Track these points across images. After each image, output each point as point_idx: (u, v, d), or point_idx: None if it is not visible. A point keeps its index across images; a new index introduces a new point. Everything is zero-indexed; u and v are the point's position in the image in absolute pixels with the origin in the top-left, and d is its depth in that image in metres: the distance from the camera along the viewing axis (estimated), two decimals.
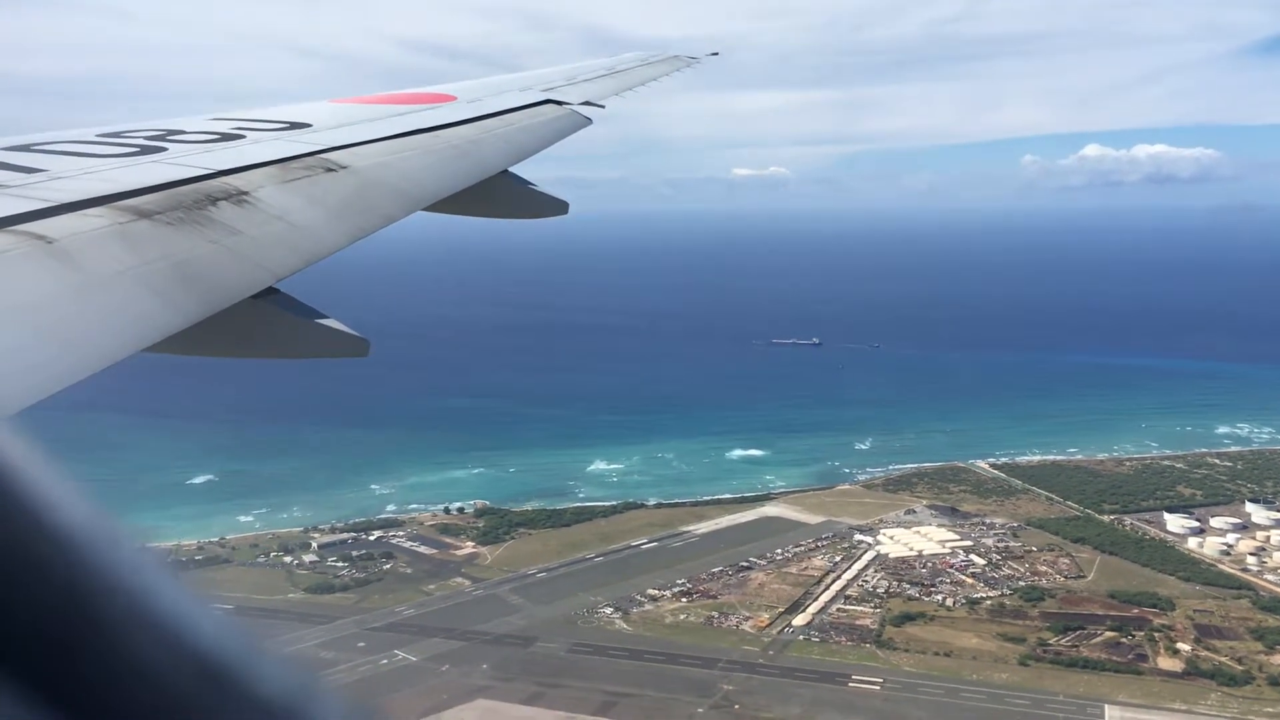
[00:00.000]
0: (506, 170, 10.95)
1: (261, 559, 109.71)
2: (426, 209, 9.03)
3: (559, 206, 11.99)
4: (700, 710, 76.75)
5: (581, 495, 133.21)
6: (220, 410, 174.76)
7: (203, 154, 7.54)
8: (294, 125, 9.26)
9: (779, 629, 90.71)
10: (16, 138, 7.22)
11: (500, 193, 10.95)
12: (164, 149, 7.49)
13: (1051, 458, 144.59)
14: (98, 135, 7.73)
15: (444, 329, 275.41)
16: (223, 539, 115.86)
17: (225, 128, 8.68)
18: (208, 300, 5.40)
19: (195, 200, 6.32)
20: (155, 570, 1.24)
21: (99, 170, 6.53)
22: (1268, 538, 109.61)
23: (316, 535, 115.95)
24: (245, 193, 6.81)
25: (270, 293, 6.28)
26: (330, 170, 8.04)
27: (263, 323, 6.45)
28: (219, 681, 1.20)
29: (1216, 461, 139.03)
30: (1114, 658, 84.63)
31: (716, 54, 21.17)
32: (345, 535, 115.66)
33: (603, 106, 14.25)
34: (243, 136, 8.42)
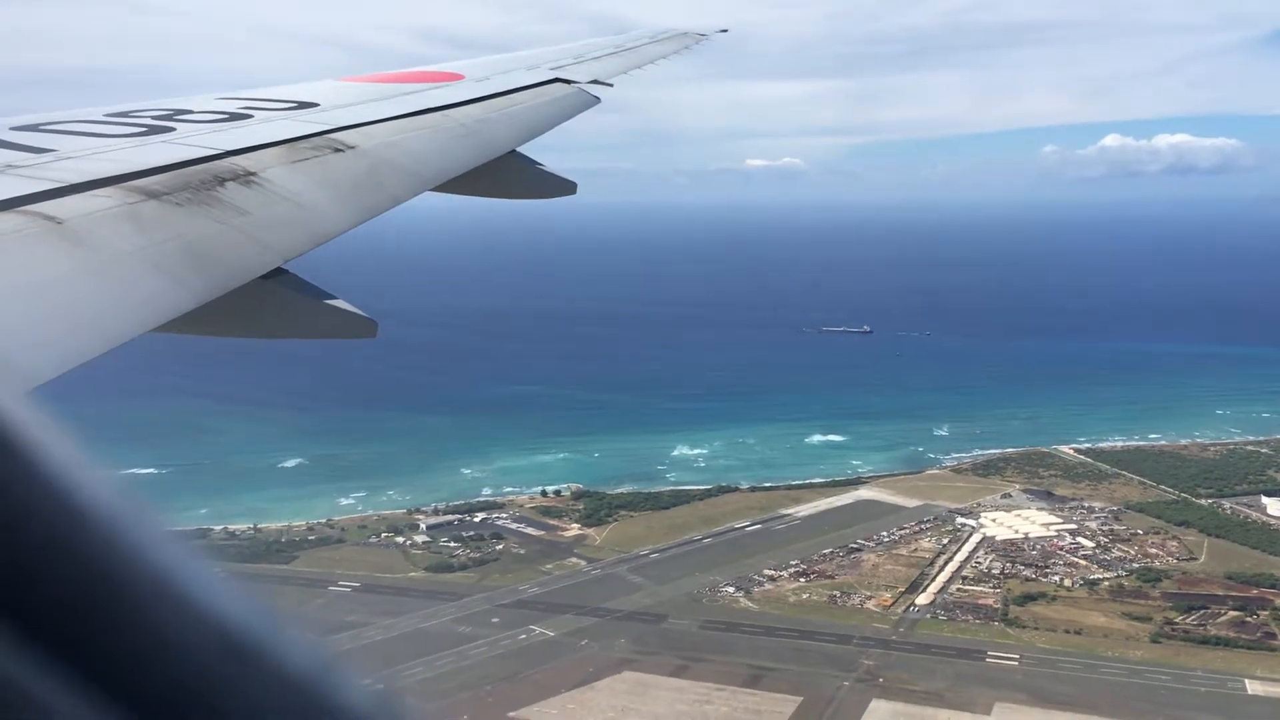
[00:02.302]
0: (514, 150, 10.89)
1: (373, 539, 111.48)
2: (434, 189, 8.98)
3: (567, 187, 11.91)
4: (846, 684, 78.15)
5: (672, 479, 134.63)
6: (291, 396, 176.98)
7: (211, 134, 7.50)
8: (302, 105, 9.18)
9: (903, 608, 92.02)
10: (25, 117, 7.15)
11: (508, 173, 10.84)
12: (172, 129, 7.44)
13: (1134, 443, 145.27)
14: (106, 115, 7.64)
15: (490, 319, 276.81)
16: (329, 520, 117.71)
17: (233, 107, 8.63)
18: (216, 281, 5.40)
19: (203, 181, 6.31)
20: (179, 547, 1.26)
21: (107, 150, 6.49)
22: None
23: (421, 517, 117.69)
24: (253, 173, 6.80)
25: (279, 273, 6.27)
26: (338, 150, 8.01)
27: (271, 303, 6.43)
28: (242, 657, 1.22)
29: None
30: (1243, 635, 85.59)
31: (726, 30, 21.10)
32: (450, 517, 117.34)
33: (611, 85, 14.03)
34: (250, 116, 8.36)
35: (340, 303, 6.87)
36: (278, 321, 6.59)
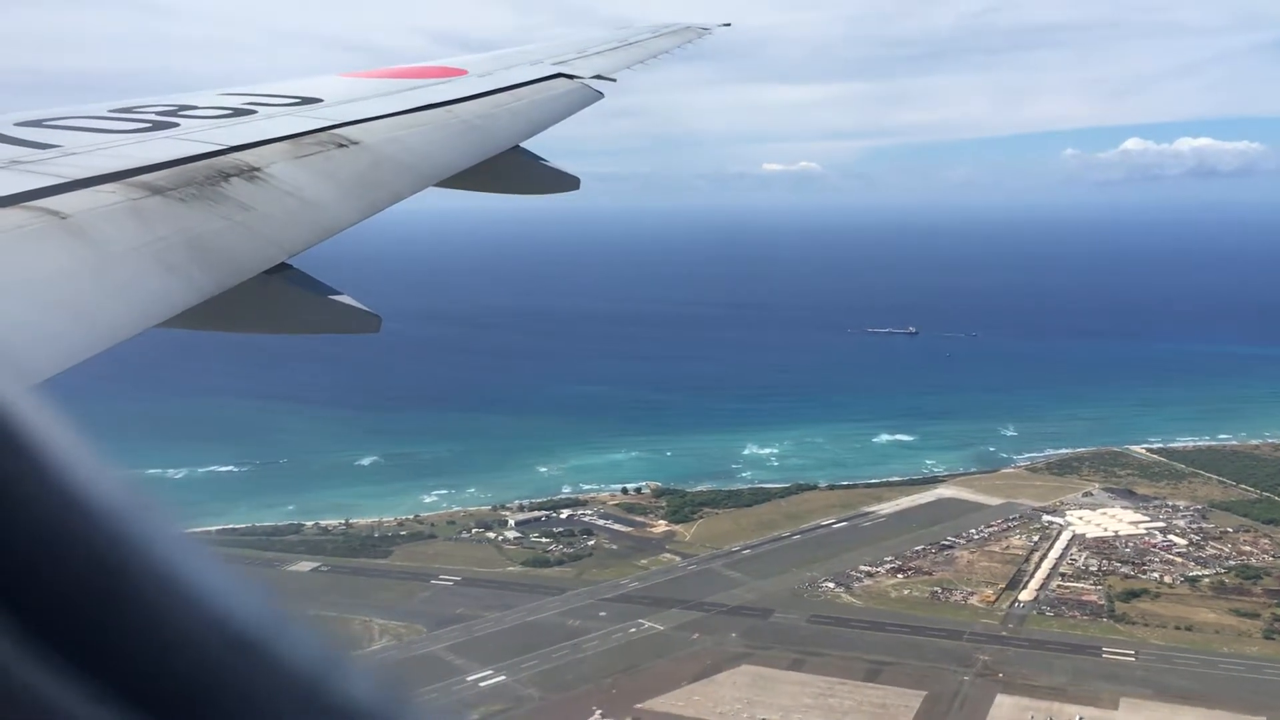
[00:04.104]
0: (517, 146, 10.84)
1: (464, 535, 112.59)
2: (438, 185, 8.97)
3: (570, 182, 11.84)
4: (966, 678, 78.67)
5: (748, 477, 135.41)
6: (351, 395, 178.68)
7: (214, 129, 7.50)
8: (305, 100, 9.17)
9: (1007, 604, 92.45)
10: (29, 113, 7.13)
11: (512, 168, 10.77)
12: (176, 124, 7.44)
13: (1205, 443, 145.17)
14: (110, 111, 7.64)
15: (532, 319, 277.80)
16: (417, 516, 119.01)
17: (236, 103, 8.62)
18: (220, 276, 5.40)
19: (207, 176, 6.31)
20: (186, 543, 1.26)
21: (112, 146, 6.50)
22: None
23: (508, 513, 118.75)
24: (257, 168, 6.80)
25: (282, 268, 6.27)
26: (342, 146, 8.00)
27: (274, 298, 6.42)
28: (250, 652, 1.22)
29: None
30: None
31: (729, 25, 21.20)
32: (537, 514, 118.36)
33: (614, 80, 13.93)
34: (254, 112, 8.37)
35: (344, 298, 6.86)
36: (281, 316, 6.59)
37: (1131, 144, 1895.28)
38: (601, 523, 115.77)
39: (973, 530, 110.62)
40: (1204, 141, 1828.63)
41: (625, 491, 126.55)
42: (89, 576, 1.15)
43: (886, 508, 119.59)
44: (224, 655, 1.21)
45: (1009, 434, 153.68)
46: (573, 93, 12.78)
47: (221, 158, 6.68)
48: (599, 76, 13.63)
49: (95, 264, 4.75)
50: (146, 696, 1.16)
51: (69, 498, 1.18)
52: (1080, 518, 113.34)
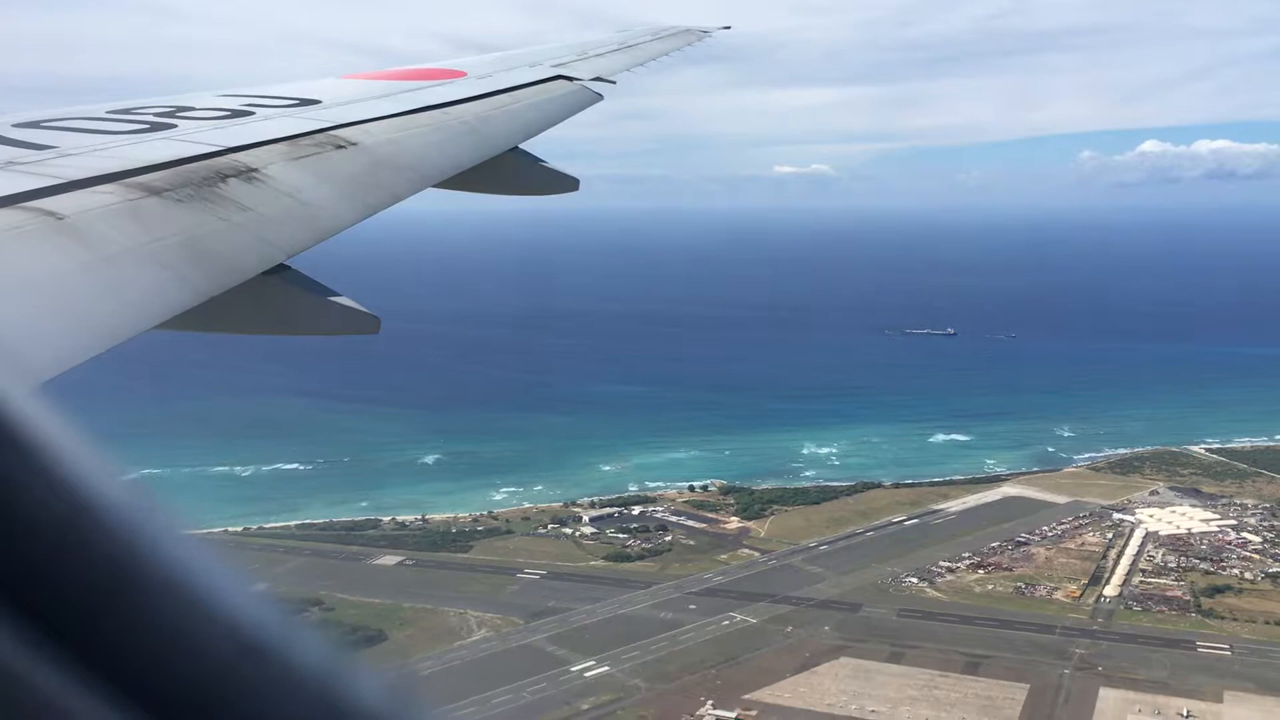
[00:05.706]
0: (516, 147, 10.87)
1: (541, 530, 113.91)
2: (436, 186, 8.98)
3: (569, 183, 11.83)
4: (1066, 671, 79.59)
5: (810, 475, 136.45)
6: (403, 395, 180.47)
7: (212, 131, 7.48)
8: (304, 102, 9.18)
9: (1093, 599, 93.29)
10: (26, 114, 7.13)
11: (511, 169, 10.83)
12: (174, 126, 7.44)
13: (1263, 442, 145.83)
14: (108, 112, 7.65)
15: (571, 321, 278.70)
16: (491, 512, 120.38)
17: (235, 104, 8.60)
18: (218, 277, 5.39)
19: (205, 177, 6.29)
20: (193, 546, 1.25)
21: (109, 147, 6.47)
22: None
23: (580, 509, 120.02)
24: (255, 170, 6.79)
25: (281, 269, 6.26)
26: (340, 147, 8.01)
27: (273, 299, 6.41)
28: (258, 656, 1.22)
29: None
30: None
31: (729, 28, 21.35)
32: (609, 510, 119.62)
33: (614, 82, 13.95)
34: (252, 113, 8.36)
35: (342, 299, 6.86)
36: (280, 318, 6.58)
37: (1149, 146, 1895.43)
38: (674, 519, 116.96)
39: (1045, 527, 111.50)
40: (1222, 143, 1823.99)
41: (692, 489, 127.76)
42: (96, 580, 1.14)
43: (954, 505, 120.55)
44: (232, 660, 1.20)
45: (1065, 434, 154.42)
46: (572, 94, 12.84)
47: (219, 159, 6.71)
48: (598, 78, 13.66)
49: (92, 265, 4.72)
50: (158, 701, 1.15)
51: (78, 501, 1.17)
52: (1151, 515, 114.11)
